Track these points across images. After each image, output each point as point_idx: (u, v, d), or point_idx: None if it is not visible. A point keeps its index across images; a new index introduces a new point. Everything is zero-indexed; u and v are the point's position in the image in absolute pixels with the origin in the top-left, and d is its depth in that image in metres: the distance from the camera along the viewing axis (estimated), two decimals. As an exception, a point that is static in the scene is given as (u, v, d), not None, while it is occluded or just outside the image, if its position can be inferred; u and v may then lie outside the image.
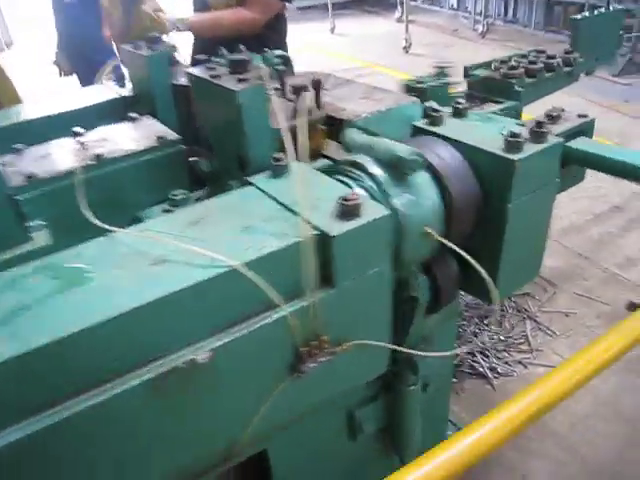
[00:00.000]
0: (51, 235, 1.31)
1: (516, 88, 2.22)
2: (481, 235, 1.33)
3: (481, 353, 2.56)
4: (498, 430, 0.98)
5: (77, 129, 1.57)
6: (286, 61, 1.83)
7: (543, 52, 2.53)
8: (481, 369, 2.48)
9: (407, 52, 7.88)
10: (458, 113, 1.43)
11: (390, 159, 1.15)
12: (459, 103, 1.43)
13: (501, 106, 2.21)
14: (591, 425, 2.25)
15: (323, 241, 0.99)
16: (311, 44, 8.14)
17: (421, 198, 1.17)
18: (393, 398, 1.62)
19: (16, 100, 2.40)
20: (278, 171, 1.19)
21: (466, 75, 2.42)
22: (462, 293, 1.48)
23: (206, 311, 0.93)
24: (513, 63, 2.28)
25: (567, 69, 2.44)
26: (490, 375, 2.47)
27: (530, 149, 1.21)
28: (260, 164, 1.28)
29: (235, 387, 1.00)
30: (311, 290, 0.98)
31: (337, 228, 0.99)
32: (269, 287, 0.92)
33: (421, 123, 1.41)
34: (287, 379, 1.04)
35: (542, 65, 2.32)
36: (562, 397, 1.04)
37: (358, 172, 1.20)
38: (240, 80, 1.27)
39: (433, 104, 1.52)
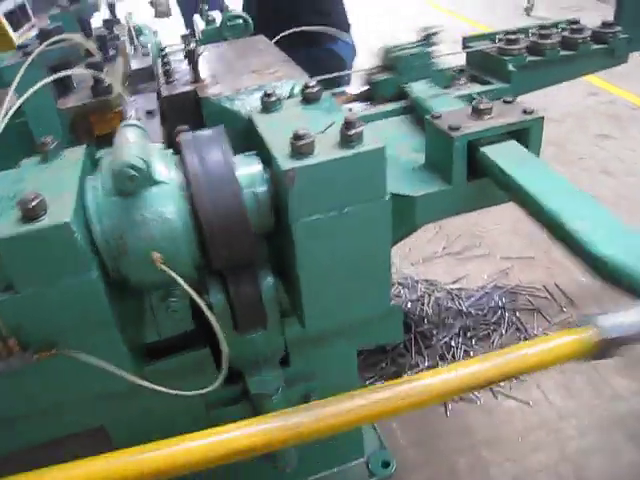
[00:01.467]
0: None
1: (509, 67, 1.81)
2: (285, 256, 1.09)
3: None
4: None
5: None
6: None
7: (576, 22, 2.04)
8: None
9: (529, 14, 6.82)
10: (305, 98, 1.15)
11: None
12: (310, 87, 1.15)
13: (482, 88, 1.83)
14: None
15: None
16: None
17: (149, 215, 0.94)
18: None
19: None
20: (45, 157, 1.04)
21: (464, 46, 2.03)
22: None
23: None
24: (516, 36, 1.85)
25: (600, 46, 1.94)
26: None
27: (327, 154, 0.93)
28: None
29: None
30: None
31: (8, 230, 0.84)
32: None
33: (255, 111, 1.16)
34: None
35: (555, 40, 1.86)
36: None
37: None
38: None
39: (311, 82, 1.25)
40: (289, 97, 1.25)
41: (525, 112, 1.31)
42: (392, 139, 1.51)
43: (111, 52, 1.52)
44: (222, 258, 1.01)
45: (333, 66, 2.55)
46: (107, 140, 1.14)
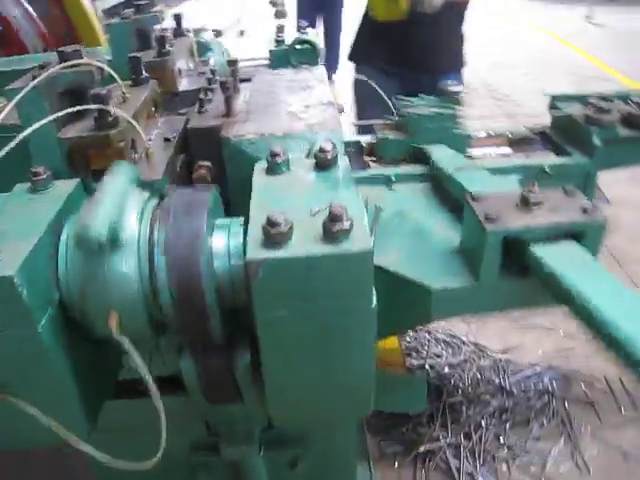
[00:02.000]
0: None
1: (594, 140, 1.57)
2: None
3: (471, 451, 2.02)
4: None
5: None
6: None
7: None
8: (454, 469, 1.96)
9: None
10: (318, 162, 1.02)
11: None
12: (324, 150, 1.02)
13: (555, 161, 1.60)
14: None
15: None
16: (551, 32, 7.01)
17: (109, 274, 0.86)
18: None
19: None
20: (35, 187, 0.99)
21: (552, 107, 1.80)
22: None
23: None
24: (609, 104, 1.60)
25: None
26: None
27: (302, 248, 0.80)
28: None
29: None
30: None
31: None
32: None
33: (260, 166, 1.05)
34: None
35: (655, 113, 1.60)
36: None
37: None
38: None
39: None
40: (308, 154, 1.13)
41: (585, 211, 1.10)
42: (422, 209, 1.33)
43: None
44: (179, 330, 0.91)
45: None
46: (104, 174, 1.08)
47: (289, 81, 1.53)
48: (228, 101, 1.29)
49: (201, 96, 1.35)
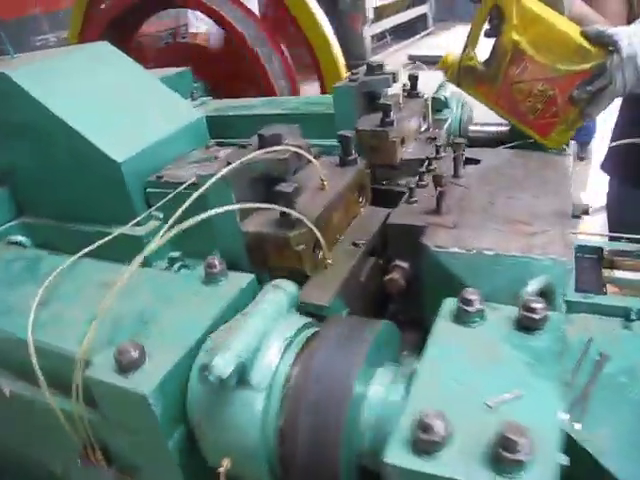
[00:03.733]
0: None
1: None
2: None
3: None
4: None
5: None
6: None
7: None
8: None
9: None
10: (520, 320, 0.78)
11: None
12: (533, 301, 0.77)
13: None
14: None
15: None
16: None
17: (227, 417, 0.75)
18: None
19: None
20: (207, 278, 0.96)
21: None
22: None
23: None
24: None
25: None
26: None
27: (449, 469, 0.58)
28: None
29: None
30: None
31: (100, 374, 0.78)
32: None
33: (449, 306, 0.84)
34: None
35: None
36: None
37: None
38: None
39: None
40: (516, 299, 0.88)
41: None
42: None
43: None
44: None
45: None
46: (282, 273, 0.99)
47: (521, 168, 1.28)
48: (440, 197, 1.11)
49: (412, 185, 1.18)
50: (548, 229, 1.03)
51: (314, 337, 0.81)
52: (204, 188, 0.91)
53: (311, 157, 1.02)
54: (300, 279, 0.98)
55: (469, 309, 0.78)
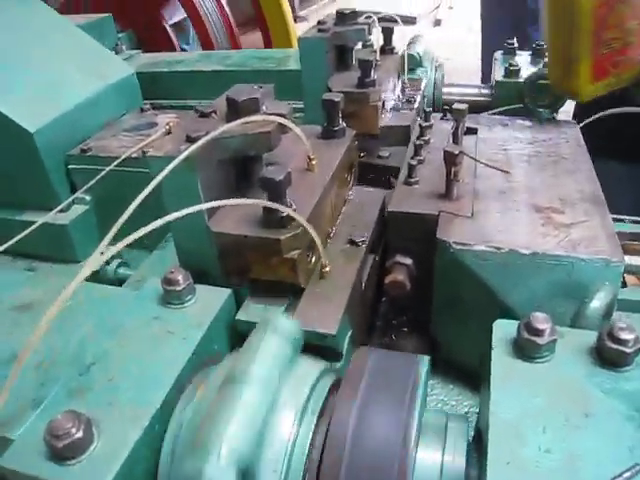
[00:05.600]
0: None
1: None
2: None
3: None
4: None
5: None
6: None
7: None
8: None
9: None
10: (599, 350, 0.59)
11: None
12: (618, 339, 0.58)
13: None
14: None
15: None
16: None
17: None
18: None
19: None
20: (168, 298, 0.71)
21: None
22: None
23: None
24: None
25: None
26: None
27: None
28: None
29: None
30: None
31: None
32: None
33: (502, 337, 0.64)
34: None
35: None
36: None
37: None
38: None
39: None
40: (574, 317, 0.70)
41: None
42: None
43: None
44: None
45: None
46: (265, 288, 0.75)
47: (531, 145, 1.09)
48: (449, 179, 0.90)
49: (411, 161, 0.96)
50: (585, 219, 0.85)
51: (337, 390, 0.59)
52: (162, 176, 0.65)
53: (298, 130, 0.78)
54: (289, 291, 0.76)
55: (539, 342, 0.59)
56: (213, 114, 0.79)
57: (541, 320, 0.60)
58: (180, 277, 0.69)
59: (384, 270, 0.92)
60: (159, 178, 0.64)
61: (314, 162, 0.84)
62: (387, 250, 0.93)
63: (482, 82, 3.51)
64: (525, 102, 1.35)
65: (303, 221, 0.69)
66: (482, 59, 3.28)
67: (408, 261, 0.90)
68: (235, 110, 0.76)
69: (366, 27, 1.27)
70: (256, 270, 0.73)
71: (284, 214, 0.69)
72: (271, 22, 2.35)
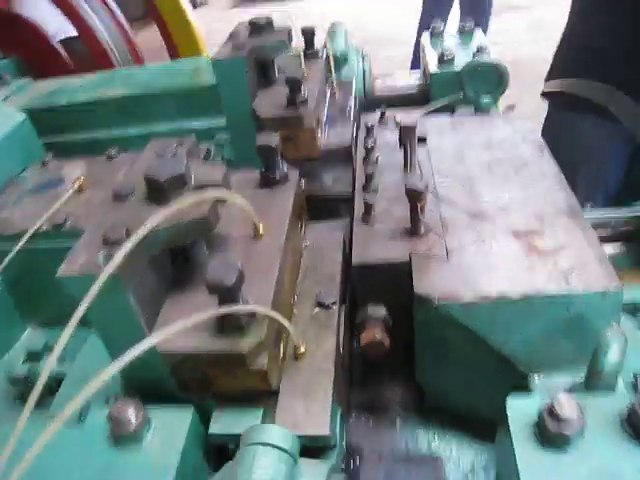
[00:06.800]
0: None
1: None
2: None
3: None
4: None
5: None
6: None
7: None
8: None
9: None
10: (634, 426, 0.52)
11: None
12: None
13: None
14: None
15: None
16: None
17: None
18: None
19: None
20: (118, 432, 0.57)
21: None
22: None
23: None
24: None
25: None
26: None
27: None
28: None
29: None
30: None
31: None
32: None
33: (521, 423, 0.55)
34: None
35: None
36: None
37: None
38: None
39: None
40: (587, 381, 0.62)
41: None
42: None
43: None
44: None
45: None
46: (233, 396, 0.63)
47: (489, 151, 1.00)
48: (414, 214, 0.80)
49: (366, 198, 0.85)
50: (568, 239, 0.77)
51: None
52: (87, 301, 0.50)
53: (241, 201, 0.65)
54: (263, 394, 0.64)
55: (568, 433, 0.50)
56: (129, 196, 0.65)
57: (566, 406, 0.51)
58: (130, 412, 0.56)
59: (355, 323, 0.81)
60: (85, 303, 0.50)
61: (261, 227, 0.72)
62: (355, 300, 0.82)
63: (412, 65, 3.43)
64: (465, 92, 1.27)
65: (269, 312, 0.57)
66: (417, 36, 3.21)
67: (382, 312, 0.79)
68: (158, 190, 0.62)
69: (286, 36, 1.13)
70: (219, 384, 0.60)
71: (242, 315, 0.57)
72: (166, 14, 2.14)
